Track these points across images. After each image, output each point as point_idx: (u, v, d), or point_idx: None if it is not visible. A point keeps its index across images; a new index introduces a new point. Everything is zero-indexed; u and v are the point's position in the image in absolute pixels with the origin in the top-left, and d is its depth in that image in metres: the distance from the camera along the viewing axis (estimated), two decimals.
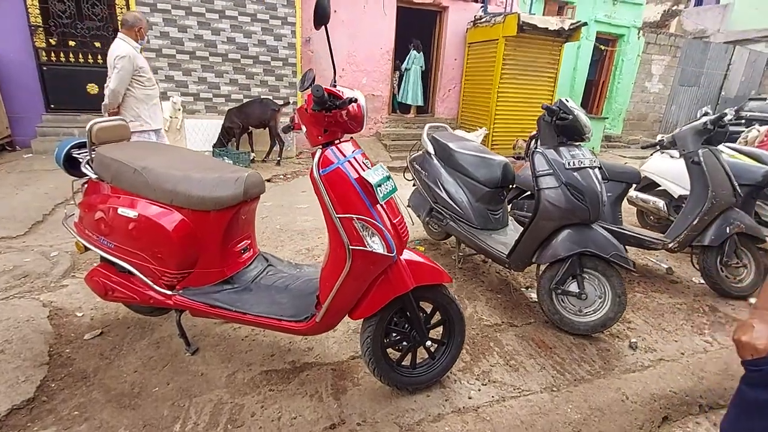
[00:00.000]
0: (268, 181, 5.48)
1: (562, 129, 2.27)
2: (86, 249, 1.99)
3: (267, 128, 6.26)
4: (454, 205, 2.91)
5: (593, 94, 9.99)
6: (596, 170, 2.29)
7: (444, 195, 2.96)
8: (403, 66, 7.99)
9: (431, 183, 3.06)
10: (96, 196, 1.90)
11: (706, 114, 7.88)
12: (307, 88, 1.94)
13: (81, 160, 1.94)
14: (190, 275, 1.84)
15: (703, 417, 1.91)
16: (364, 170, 1.57)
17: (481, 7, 7.87)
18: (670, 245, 2.92)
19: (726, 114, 2.91)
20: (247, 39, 6.76)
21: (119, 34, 3.33)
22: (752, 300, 2.85)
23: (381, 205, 1.58)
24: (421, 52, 7.94)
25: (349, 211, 1.50)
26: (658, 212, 3.79)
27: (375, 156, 7.21)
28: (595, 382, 2.02)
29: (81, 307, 2.39)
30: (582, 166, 2.23)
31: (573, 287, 2.32)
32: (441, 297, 1.81)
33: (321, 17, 1.46)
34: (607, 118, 9.38)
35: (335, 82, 1.62)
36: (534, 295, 2.81)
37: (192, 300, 1.81)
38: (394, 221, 1.63)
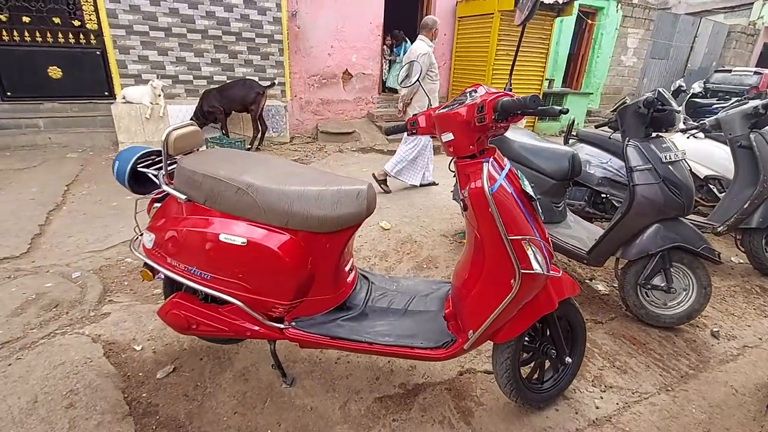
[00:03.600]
0: None
1: (656, 121, 2.19)
2: (155, 276, 1.71)
3: (248, 112, 5.69)
4: None
5: (573, 68, 10.10)
6: (685, 162, 2.25)
7: None
8: (397, 58, 7.74)
9: None
10: (179, 219, 1.61)
11: (679, 87, 8.06)
12: (415, 81, 1.73)
13: (151, 175, 1.63)
14: (300, 304, 1.62)
15: None
16: (517, 181, 1.42)
17: None
18: (719, 228, 2.99)
19: None
20: (229, 13, 6.16)
21: (420, 36, 4.29)
22: None
23: (536, 219, 1.44)
24: (407, 42, 7.69)
25: (519, 231, 1.34)
26: None
27: (372, 139, 6.94)
28: (701, 376, 2.04)
29: (136, 339, 2.09)
30: (676, 159, 2.18)
31: (659, 281, 2.31)
32: (568, 307, 1.72)
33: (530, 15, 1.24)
34: (592, 93, 9.56)
35: (510, 85, 1.41)
36: (600, 287, 2.81)
37: (308, 332, 1.60)
38: (546, 235, 1.49)
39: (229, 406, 1.75)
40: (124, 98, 5.47)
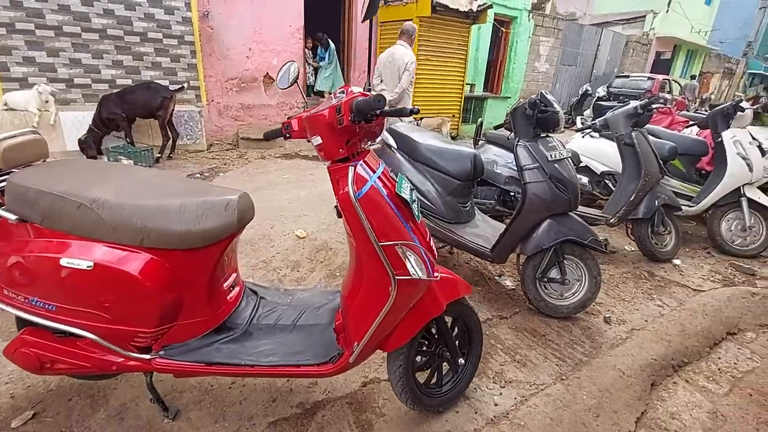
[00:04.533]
0: (190, 176, 4.76)
1: (540, 122, 2.30)
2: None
3: (155, 118, 5.29)
4: (424, 200, 2.81)
5: (493, 73, 10.64)
6: (570, 160, 2.38)
7: None
8: (320, 63, 7.64)
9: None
10: (13, 243, 1.38)
11: (586, 91, 8.88)
12: (292, 84, 1.65)
13: None
14: (170, 330, 1.46)
15: (676, 376, 2.16)
16: (392, 184, 1.38)
17: None
18: (611, 220, 3.23)
19: (654, 99, 3.25)
20: (130, 12, 5.68)
21: (400, 42, 4.38)
22: (676, 261, 3.32)
23: (414, 223, 1.41)
24: (331, 45, 7.64)
25: (391, 236, 1.30)
26: (582, 188, 4.18)
27: (296, 145, 6.76)
28: (593, 362, 2.15)
29: None
30: (561, 157, 2.29)
31: (555, 274, 2.42)
32: (462, 308, 1.72)
33: (371, 10, 1.19)
34: (510, 97, 10.10)
35: (370, 85, 1.36)
36: (508, 283, 2.90)
37: (179, 361, 1.44)
38: (427, 238, 1.47)
39: None
40: (5, 105, 4.83)
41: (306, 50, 7.67)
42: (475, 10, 7.01)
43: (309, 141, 1.36)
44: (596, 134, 4.14)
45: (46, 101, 4.87)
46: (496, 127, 3.19)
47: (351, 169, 1.27)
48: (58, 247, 1.32)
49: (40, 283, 1.34)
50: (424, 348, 1.68)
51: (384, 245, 1.28)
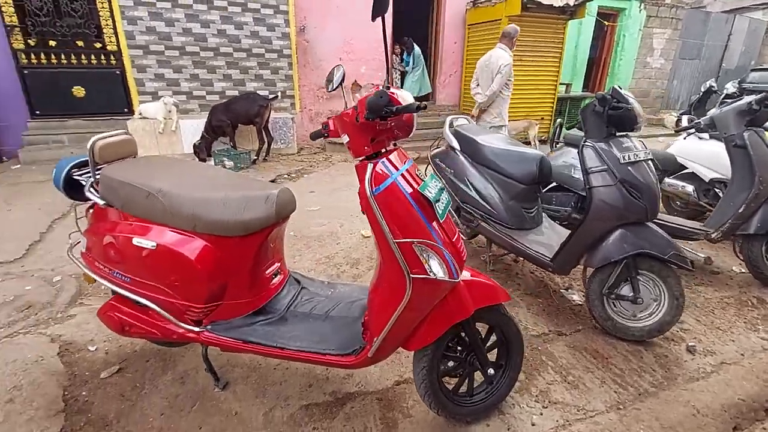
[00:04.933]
0: (272, 181, 5.24)
1: (613, 119, 2.07)
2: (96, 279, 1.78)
3: (254, 125, 5.84)
4: (485, 204, 2.71)
5: (595, 71, 9.75)
6: (650, 162, 2.10)
7: (473, 193, 2.76)
8: (406, 68, 7.77)
9: (458, 181, 2.85)
10: (105, 224, 1.68)
11: (710, 88, 7.56)
12: (338, 86, 1.71)
13: (84, 182, 1.71)
14: (217, 308, 1.64)
15: None
16: (418, 183, 1.37)
17: None
18: (713, 235, 2.76)
19: None
20: (239, 30, 6.43)
21: (499, 44, 4.35)
22: None
23: (439, 223, 1.39)
24: (416, 48, 7.70)
25: (408, 234, 1.30)
26: (687, 197, 3.62)
27: None
28: (661, 395, 1.87)
29: (93, 340, 2.18)
30: (637, 159, 2.04)
31: (627, 291, 2.16)
32: (498, 316, 1.63)
33: (379, 6, 1.23)
34: None
35: (389, 83, 1.39)
36: (575, 297, 2.65)
37: (222, 336, 1.61)
38: (453, 239, 1.43)
39: (159, 407, 1.78)
40: (140, 114, 5.80)
41: (394, 56, 7.87)
42: (572, 4, 6.52)
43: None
44: (705, 135, 3.58)
45: (170, 111, 5.75)
46: (570, 128, 2.95)
47: (370, 167, 1.30)
48: (132, 229, 1.57)
49: (120, 258, 1.61)
50: (453, 353, 1.63)
51: (400, 242, 1.29)
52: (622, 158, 2.02)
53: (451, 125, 3.06)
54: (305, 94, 7.22)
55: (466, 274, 1.54)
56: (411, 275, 1.30)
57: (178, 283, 1.56)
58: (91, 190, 1.69)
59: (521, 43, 6.82)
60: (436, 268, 1.33)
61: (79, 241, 1.83)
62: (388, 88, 1.32)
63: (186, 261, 1.51)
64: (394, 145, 1.51)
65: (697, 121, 3.13)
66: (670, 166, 3.00)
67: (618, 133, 2.14)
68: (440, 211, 1.35)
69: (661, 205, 4.01)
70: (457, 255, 1.41)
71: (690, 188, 3.60)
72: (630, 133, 2.17)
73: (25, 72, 5.62)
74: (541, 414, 1.76)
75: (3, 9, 5.37)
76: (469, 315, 1.47)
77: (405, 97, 1.32)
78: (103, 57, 5.92)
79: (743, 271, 2.90)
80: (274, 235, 1.68)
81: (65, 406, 1.77)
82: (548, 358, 2.09)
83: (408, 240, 1.29)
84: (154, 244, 1.52)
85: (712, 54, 10.57)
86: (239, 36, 6.45)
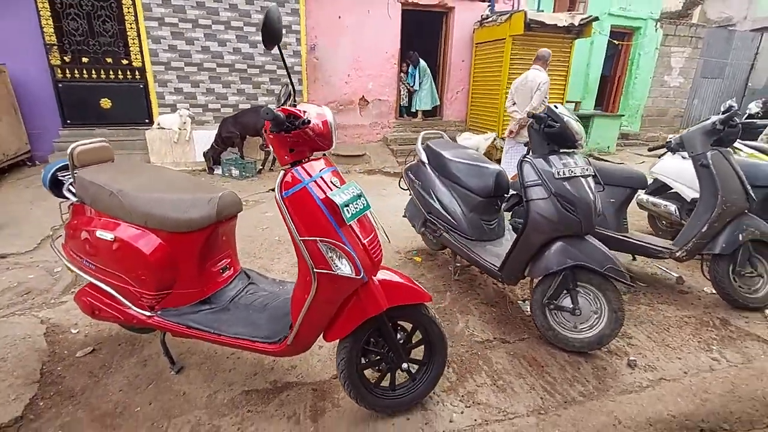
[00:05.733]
0: (272, 190, 5.50)
1: (551, 137, 2.18)
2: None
3: (261, 136, 6.20)
4: (448, 216, 2.84)
5: (609, 90, 9.68)
6: (589, 179, 2.19)
7: (437, 205, 2.90)
8: (413, 85, 7.97)
9: (425, 193, 3.00)
10: (79, 219, 1.93)
11: (731, 107, 7.40)
12: (284, 103, 1.90)
13: (65, 182, 1.98)
14: (168, 296, 1.85)
15: None
16: (331, 189, 1.53)
17: (488, 6, 7.73)
18: (677, 254, 2.78)
19: (736, 113, 2.74)
20: (253, 49, 6.85)
21: (534, 66, 4.72)
22: None
23: (350, 226, 1.54)
24: (421, 62, 7.91)
25: (315, 233, 1.46)
26: (669, 217, 3.62)
27: (382, 162, 7.17)
28: (587, 404, 1.92)
29: (77, 324, 2.44)
30: (572, 175, 2.14)
31: (567, 302, 2.23)
32: (420, 316, 1.76)
33: (272, 37, 1.42)
34: (623, 115, 9.05)
35: (295, 101, 1.58)
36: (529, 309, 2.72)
37: (169, 321, 1.81)
38: (365, 240, 1.58)
39: (119, 384, 1.99)
40: (158, 124, 6.26)
41: (402, 74, 8.12)
42: (577, 24, 6.59)
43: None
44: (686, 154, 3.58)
45: (184, 122, 6.17)
46: (651, 149, 3.21)
47: (281, 173, 1.49)
48: (97, 223, 1.81)
49: (88, 249, 1.85)
50: (375, 348, 1.76)
51: (305, 240, 1.46)
52: (556, 173, 2.12)
53: (423, 141, 3.23)
54: None
55: (386, 275, 1.68)
56: (315, 270, 1.46)
57: (133, 272, 1.78)
58: (70, 189, 1.95)
59: (524, 61, 6.93)
60: (342, 265, 1.48)
61: (61, 235, 2.09)
62: (295, 104, 1.50)
63: (139, 253, 1.73)
64: (324, 155, 1.69)
65: (668, 140, 3.17)
66: (638, 184, 3.03)
67: (562, 150, 2.24)
68: (347, 215, 1.50)
69: (647, 222, 4.05)
70: (367, 255, 1.56)
71: (672, 207, 3.59)
72: (576, 150, 2.27)
73: (60, 85, 6.19)
74: (462, 412, 1.85)
75: (44, 29, 5.98)
76: (380, 311, 1.60)
77: (313, 111, 1.49)
78: (128, 72, 6.45)
79: (713, 292, 2.88)
80: (220, 232, 1.88)
81: (41, 378, 2.01)
82: (484, 363, 2.18)
83: (313, 238, 1.45)
84: (113, 237, 1.75)
85: (737, 73, 10.29)
86: (253, 54, 6.86)
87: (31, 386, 1.95)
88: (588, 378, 2.09)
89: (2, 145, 5.48)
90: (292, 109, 1.45)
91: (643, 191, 3.63)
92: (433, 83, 8.09)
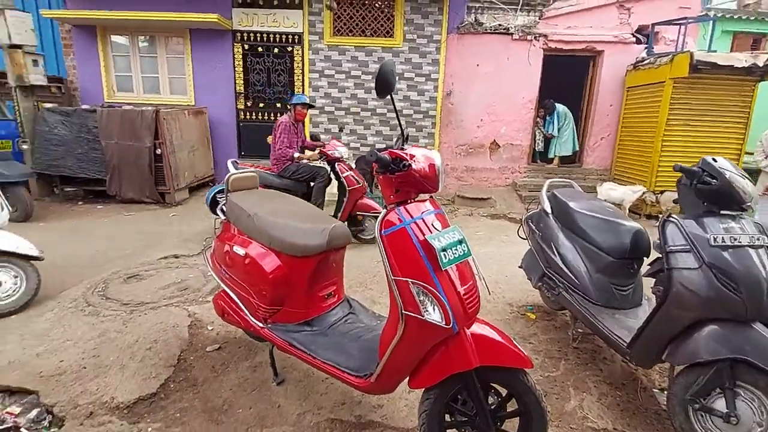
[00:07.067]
0: None
1: (708, 195, 1.81)
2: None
3: None
4: (570, 274, 2.54)
5: None
6: (761, 251, 1.73)
7: (558, 260, 2.63)
8: (550, 132, 7.60)
9: (545, 245, 2.76)
10: (225, 234, 2.31)
11: None
12: (395, 146, 1.98)
13: (220, 203, 2.40)
14: (278, 312, 2.04)
15: None
16: (431, 232, 1.53)
17: (645, 48, 6.99)
18: None
19: None
20: (394, 95, 7.41)
21: None
22: None
23: (446, 272, 1.50)
24: (560, 107, 7.46)
25: (409, 274, 1.46)
26: None
27: (508, 207, 6.88)
28: None
29: (213, 322, 2.86)
30: (736, 243, 1.72)
31: (719, 404, 1.74)
32: (517, 383, 1.58)
33: (385, 88, 1.52)
34: None
35: (403, 144, 1.65)
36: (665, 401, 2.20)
37: (275, 335, 1.99)
38: (461, 288, 1.51)
39: (231, 383, 2.25)
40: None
41: (538, 119, 7.81)
42: (761, 65, 5.48)
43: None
44: None
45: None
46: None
47: (384, 211, 1.54)
48: (235, 240, 2.13)
49: (227, 260, 2.18)
50: (463, 407, 1.64)
51: (397, 280, 1.46)
52: (713, 239, 1.73)
53: (549, 189, 3.01)
54: (445, 150, 7.72)
55: (483, 329, 1.58)
56: (404, 311, 1.45)
57: (255, 285, 2.03)
58: (222, 208, 2.35)
59: (690, 107, 6.02)
60: (431, 311, 1.44)
61: (211, 246, 2.52)
62: (403, 147, 1.56)
63: (261, 269, 1.98)
64: (431, 197, 1.71)
65: None
66: None
67: (723, 212, 1.84)
68: (443, 260, 1.46)
69: None
70: (461, 305, 1.49)
71: None
72: (743, 213, 1.84)
73: (241, 125, 7.65)
74: None
75: (236, 81, 7.53)
76: (470, 368, 1.49)
77: (420, 154, 1.52)
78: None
79: None
80: (329, 261, 2.02)
81: (177, 363, 2.39)
82: None
83: (405, 279, 1.45)
84: (244, 253, 2.03)
85: None
86: (393, 100, 7.43)
87: (168, 369, 2.33)
88: None
89: (197, 168, 6.97)
90: (398, 151, 1.51)
91: None
92: (574, 128, 7.56)
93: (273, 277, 1.96)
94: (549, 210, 2.84)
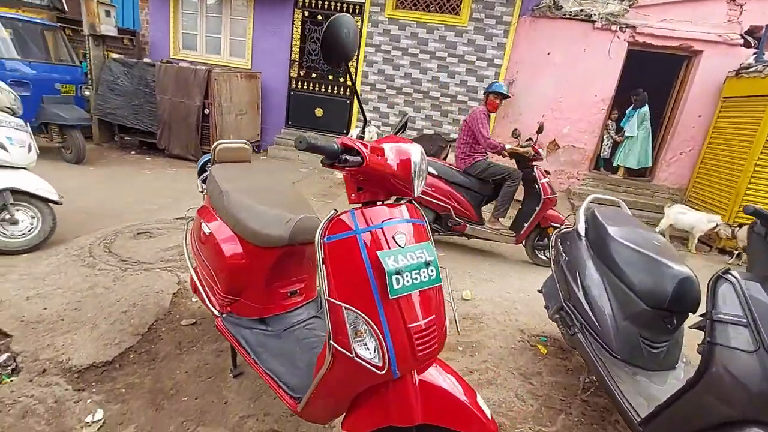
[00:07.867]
0: None
1: None
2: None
3: None
4: (590, 313, 2.11)
5: None
6: None
7: (580, 294, 2.19)
8: (627, 131, 6.67)
9: (569, 273, 2.32)
10: (203, 208, 2.14)
11: None
12: (398, 132, 1.64)
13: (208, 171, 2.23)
14: (235, 303, 1.85)
15: None
16: (389, 248, 1.20)
17: (754, 53, 5.85)
18: None
19: None
20: (450, 79, 6.94)
21: None
22: None
23: (399, 301, 1.17)
24: (645, 107, 6.51)
25: (346, 297, 1.16)
26: None
27: None
28: None
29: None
30: None
31: None
32: None
33: (335, 53, 1.18)
34: None
35: (362, 133, 1.32)
36: None
37: (227, 328, 1.80)
38: (415, 324, 1.18)
39: (189, 365, 2.12)
40: (351, 136, 6.98)
41: (609, 122, 6.95)
42: None
43: None
44: None
45: (371, 138, 6.68)
46: None
47: (332, 212, 1.24)
48: (208, 216, 1.95)
49: (200, 236, 2.02)
50: None
51: (330, 302, 1.17)
52: None
53: (588, 206, 2.53)
54: None
55: (439, 378, 1.25)
56: (331, 341, 1.17)
57: (214, 267, 1.85)
58: (201, 180, 2.18)
59: None
60: (363, 350, 1.14)
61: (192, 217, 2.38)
62: (362, 136, 1.24)
63: (221, 252, 1.78)
64: (411, 202, 1.38)
65: None
66: None
67: None
68: (394, 287, 1.14)
69: None
70: (409, 345, 1.16)
71: None
72: None
73: (291, 93, 7.58)
74: None
75: (293, 48, 7.41)
76: (410, 424, 1.19)
77: (392, 149, 1.20)
78: (341, 89, 7.41)
79: None
80: (295, 256, 1.78)
81: (146, 332, 2.31)
82: None
83: (340, 303, 1.16)
84: (209, 231, 1.84)
85: None
86: (449, 83, 6.95)
87: (135, 337, 2.25)
88: None
89: (242, 132, 7.01)
90: (350, 141, 1.18)
91: None
92: (650, 137, 6.63)
93: (231, 263, 1.76)
94: (583, 231, 2.38)
